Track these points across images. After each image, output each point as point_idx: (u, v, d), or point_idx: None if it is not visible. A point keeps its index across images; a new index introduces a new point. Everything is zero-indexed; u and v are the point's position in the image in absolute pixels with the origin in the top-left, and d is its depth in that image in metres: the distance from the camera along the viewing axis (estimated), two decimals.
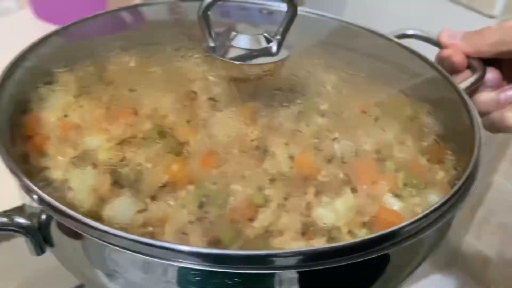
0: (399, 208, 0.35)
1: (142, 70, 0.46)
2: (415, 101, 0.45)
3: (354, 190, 0.37)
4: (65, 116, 0.39)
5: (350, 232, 0.33)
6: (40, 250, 0.31)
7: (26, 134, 0.37)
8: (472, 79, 0.46)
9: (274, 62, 0.39)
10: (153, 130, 0.38)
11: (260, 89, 0.44)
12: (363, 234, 0.32)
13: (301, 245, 0.31)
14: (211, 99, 0.42)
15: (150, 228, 0.32)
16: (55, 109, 0.39)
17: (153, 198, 0.34)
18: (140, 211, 0.32)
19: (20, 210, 0.30)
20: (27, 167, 0.34)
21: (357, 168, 0.38)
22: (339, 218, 0.33)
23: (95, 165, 0.34)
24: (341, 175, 0.38)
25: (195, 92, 0.43)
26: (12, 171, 0.30)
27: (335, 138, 0.40)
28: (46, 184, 0.33)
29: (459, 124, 0.43)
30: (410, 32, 0.55)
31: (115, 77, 0.45)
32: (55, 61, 0.45)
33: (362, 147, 0.41)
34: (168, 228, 0.32)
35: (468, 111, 0.41)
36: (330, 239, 0.32)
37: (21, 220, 0.29)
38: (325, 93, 0.46)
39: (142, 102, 0.41)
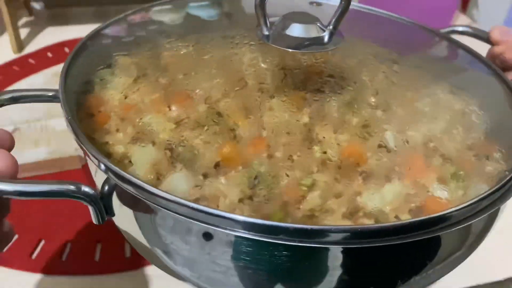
0: (445, 197, 0.35)
1: (197, 56, 0.48)
2: (466, 96, 0.45)
3: (401, 178, 0.38)
4: (125, 97, 0.41)
5: (396, 218, 0.33)
6: (101, 218, 0.33)
7: (89, 112, 0.40)
8: None
9: (326, 51, 0.40)
10: (208, 113, 0.40)
11: (312, 77, 0.45)
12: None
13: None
14: (263, 85, 0.44)
15: (204, 203, 0.33)
16: (116, 91, 0.41)
17: (205, 176, 0.36)
18: (195, 187, 0.34)
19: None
20: (91, 141, 0.37)
21: (405, 158, 0.39)
22: (386, 203, 0.33)
23: (154, 143, 0.36)
24: (389, 164, 0.38)
25: (247, 78, 0.44)
26: (81, 143, 0.32)
27: (385, 128, 0.41)
28: (108, 157, 0.36)
29: (509, 121, 0.43)
30: (460, 28, 0.55)
31: (171, 63, 0.47)
32: (116, 47, 0.48)
33: (411, 138, 0.41)
34: (220, 204, 0.33)
35: None
36: (377, 222, 0.33)
37: (86, 189, 0.31)
38: (375, 83, 0.46)
39: (196, 87, 0.43)
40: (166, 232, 0.31)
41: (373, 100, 0.42)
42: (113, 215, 0.34)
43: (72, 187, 0.31)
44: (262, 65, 0.45)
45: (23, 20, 0.98)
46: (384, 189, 0.35)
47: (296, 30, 0.39)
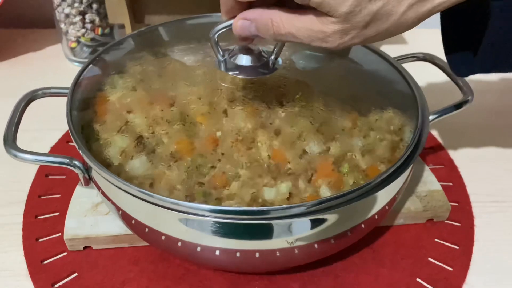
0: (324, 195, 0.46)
1: (189, 69, 0.62)
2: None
3: (308, 180, 0.49)
4: (122, 97, 0.56)
5: None
6: (87, 183, 0.48)
7: (95, 106, 0.55)
8: None
9: (265, 76, 0.52)
10: (176, 114, 0.53)
11: (268, 93, 0.57)
12: None
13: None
14: (229, 97, 0.56)
15: (150, 180, 0.47)
16: (118, 92, 0.56)
17: (163, 161, 0.50)
18: (148, 169, 0.48)
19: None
20: (89, 129, 0.52)
21: (320, 163, 0.49)
22: (276, 196, 0.45)
23: (130, 134, 0.51)
24: (304, 166, 0.49)
25: (220, 91, 0.57)
26: (74, 137, 0.47)
27: (310, 140, 0.52)
28: (98, 141, 0.51)
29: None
30: None
31: (167, 73, 0.61)
32: (131, 56, 0.63)
33: (331, 149, 0.52)
34: (163, 182, 0.47)
35: None
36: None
37: (76, 162, 0.47)
38: (312, 101, 0.57)
39: (178, 93, 0.57)
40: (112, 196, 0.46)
41: (307, 116, 0.53)
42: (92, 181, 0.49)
43: (67, 160, 0.47)
44: (235, 80, 0.58)
45: None
46: (280, 185, 0.46)
47: (242, 59, 0.51)
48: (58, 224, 0.54)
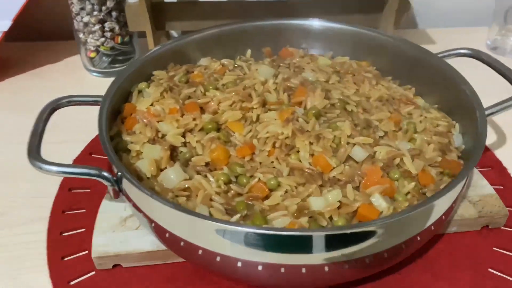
0: (384, 207, 0.42)
1: (218, 75, 0.59)
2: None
3: (355, 188, 0.45)
4: (151, 106, 0.53)
5: (330, 218, 0.41)
6: (117, 195, 0.45)
7: (124, 116, 0.52)
8: None
9: None
10: (209, 123, 0.50)
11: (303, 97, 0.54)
12: (338, 223, 0.40)
13: (286, 221, 0.40)
14: (262, 103, 0.53)
15: (187, 193, 0.44)
16: (146, 101, 0.53)
17: (198, 172, 0.47)
18: (184, 180, 0.44)
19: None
20: (118, 139, 0.49)
21: (367, 169, 0.46)
22: (325, 206, 0.41)
23: (161, 144, 0.48)
24: (350, 173, 0.45)
25: (250, 96, 0.54)
26: (105, 147, 0.44)
27: (354, 144, 0.48)
28: (128, 151, 0.48)
29: None
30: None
31: (197, 79, 0.58)
32: (159, 65, 0.61)
33: (377, 153, 0.48)
34: (200, 194, 0.43)
35: None
36: (311, 219, 0.40)
37: (105, 173, 0.43)
38: (350, 104, 0.53)
39: (208, 100, 0.53)
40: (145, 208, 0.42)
41: (350, 119, 0.49)
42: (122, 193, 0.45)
43: (95, 171, 0.44)
44: (269, 85, 0.55)
45: None
46: (328, 194, 0.42)
47: None
48: (85, 241, 0.51)
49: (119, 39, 0.78)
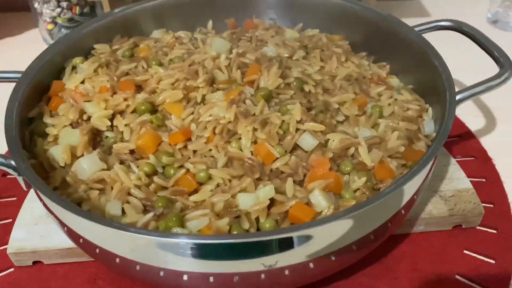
0: (324, 206, 0.35)
1: (165, 50, 0.52)
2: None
3: (300, 182, 0.39)
4: (81, 83, 0.47)
5: (256, 219, 0.35)
6: (28, 187, 0.39)
7: (49, 95, 0.46)
8: None
9: None
10: (142, 104, 0.44)
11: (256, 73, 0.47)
12: (265, 225, 0.34)
13: (203, 223, 0.34)
14: (209, 81, 0.47)
15: (101, 185, 0.38)
16: (77, 78, 0.47)
17: (121, 161, 0.41)
18: (99, 171, 0.39)
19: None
20: (38, 122, 0.44)
21: (315, 160, 0.39)
22: (254, 205, 0.35)
23: (81, 127, 0.42)
24: (295, 165, 0.39)
25: (197, 73, 0.47)
26: (8, 135, 0.38)
27: (303, 130, 0.41)
28: (44, 137, 0.42)
29: None
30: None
31: (141, 54, 0.52)
32: (102, 38, 0.54)
33: (330, 141, 0.41)
34: (115, 187, 0.38)
35: None
36: (233, 220, 0.34)
37: (13, 162, 0.38)
38: (311, 85, 0.47)
39: (148, 78, 0.47)
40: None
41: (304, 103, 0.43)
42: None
43: (1, 160, 0.38)
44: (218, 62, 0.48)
45: None
46: (259, 191, 0.36)
47: None
48: (8, 233, 0.46)
49: (77, 9, 0.72)
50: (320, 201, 0.35)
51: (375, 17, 0.54)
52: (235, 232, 0.34)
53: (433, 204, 0.46)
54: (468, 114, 0.60)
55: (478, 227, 0.46)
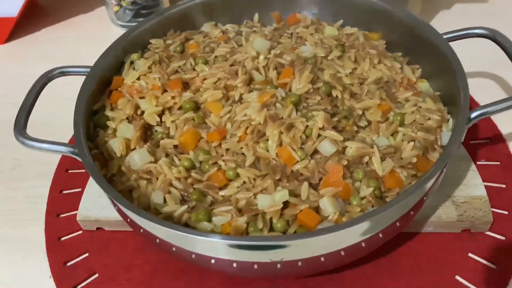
0: (330, 212, 0.41)
1: (216, 45, 0.58)
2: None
3: (315, 185, 0.44)
4: (138, 80, 0.54)
5: (270, 220, 0.41)
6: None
7: (111, 89, 0.54)
8: None
9: None
10: (187, 102, 0.51)
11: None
12: (277, 225, 0.40)
13: (226, 219, 0.41)
14: (247, 81, 0.52)
15: (149, 176, 0.46)
16: (133, 75, 0.54)
17: (167, 154, 0.48)
18: (148, 163, 0.46)
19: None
20: (101, 114, 0.52)
21: (330, 166, 0.44)
22: (269, 206, 0.41)
23: (135, 122, 0.49)
24: (313, 169, 0.44)
25: (237, 73, 0.53)
26: (77, 130, 0.46)
27: (324, 137, 0.46)
28: (106, 129, 0.50)
29: None
30: None
31: (191, 51, 0.58)
32: (162, 31, 0.60)
33: (347, 149, 0.46)
34: (160, 179, 0.45)
35: None
36: (250, 217, 0.41)
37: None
38: (339, 90, 0.50)
39: (195, 76, 0.54)
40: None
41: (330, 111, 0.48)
42: None
43: (71, 149, 0.47)
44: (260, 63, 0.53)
45: None
46: (276, 193, 0.42)
47: None
48: (78, 201, 0.56)
49: None
50: (328, 207, 0.41)
51: (406, 19, 0.56)
52: (252, 229, 0.40)
53: (444, 208, 0.49)
54: (504, 116, 0.60)
55: (487, 233, 0.49)
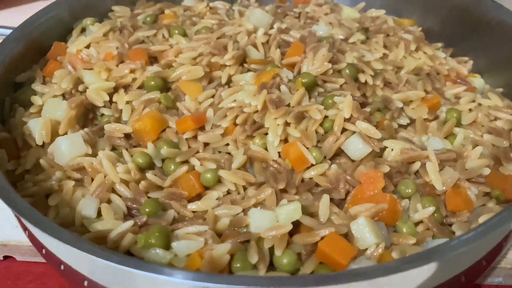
0: (370, 242, 0.25)
1: (196, 20, 0.44)
2: None
3: (340, 202, 0.28)
4: (85, 48, 0.38)
5: (270, 250, 0.25)
6: None
7: (47, 58, 0.39)
8: None
9: None
10: (152, 79, 0.35)
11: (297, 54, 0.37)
12: (282, 261, 0.24)
13: (195, 246, 0.24)
14: (240, 59, 0.37)
15: (79, 175, 0.29)
16: (82, 41, 0.39)
17: (114, 146, 0.32)
18: (79, 156, 0.30)
19: None
20: (27, 88, 0.36)
21: (363, 174, 0.29)
22: (270, 228, 0.25)
23: (71, 99, 0.33)
24: (333, 180, 0.29)
25: (226, 48, 0.38)
26: None
27: (352, 132, 0.31)
28: (28, 107, 0.34)
29: None
30: None
31: (165, 21, 0.43)
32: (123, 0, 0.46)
33: (384, 153, 0.30)
34: (96, 180, 0.29)
35: None
36: (238, 245, 0.24)
37: None
38: (369, 75, 0.36)
39: (165, 49, 0.38)
40: None
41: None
42: None
43: None
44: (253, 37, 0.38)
45: None
46: (281, 208, 0.26)
47: None
48: None
49: None
50: (366, 234, 0.25)
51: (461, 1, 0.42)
52: (238, 265, 0.24)
53: None
54: None
55: None
